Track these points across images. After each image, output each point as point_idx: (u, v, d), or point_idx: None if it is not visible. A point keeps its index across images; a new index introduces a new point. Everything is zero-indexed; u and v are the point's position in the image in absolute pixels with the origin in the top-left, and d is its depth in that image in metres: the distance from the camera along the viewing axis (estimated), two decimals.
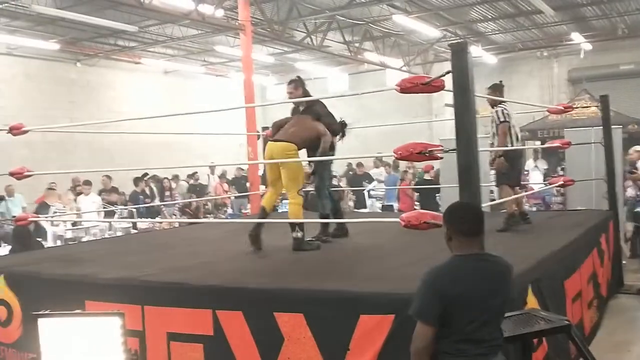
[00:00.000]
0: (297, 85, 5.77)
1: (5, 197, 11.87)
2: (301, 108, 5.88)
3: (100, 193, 12.96)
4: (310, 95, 5.86)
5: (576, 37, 18.58)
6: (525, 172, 13.76)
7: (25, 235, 7.36)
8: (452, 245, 2.82)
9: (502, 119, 6.29)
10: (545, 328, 3.36)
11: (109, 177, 13.30)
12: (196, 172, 16.70)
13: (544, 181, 11.91)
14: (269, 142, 5.71)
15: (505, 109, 6.36)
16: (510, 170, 6.40)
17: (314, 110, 5.78)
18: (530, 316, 3.43)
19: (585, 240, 5.79)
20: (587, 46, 19.46)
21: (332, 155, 5.91)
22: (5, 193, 11.98)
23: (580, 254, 5.42)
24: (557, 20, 17.60)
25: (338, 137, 5.97)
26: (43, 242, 9.31)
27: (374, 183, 14.21)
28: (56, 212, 10.73)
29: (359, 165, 14.86)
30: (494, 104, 6.43)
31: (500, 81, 6.74)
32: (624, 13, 17.03)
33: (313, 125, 5.64)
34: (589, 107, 13.79)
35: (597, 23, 18.38)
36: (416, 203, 11.87)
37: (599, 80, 18.63)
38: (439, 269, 2.76)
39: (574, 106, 10.53)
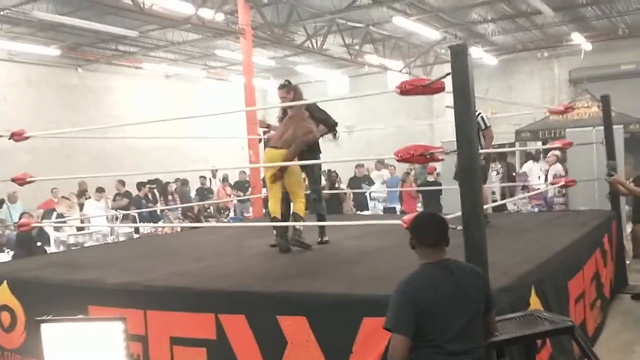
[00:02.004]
0: (290, 89, 5.72)
1: (5, 201, 11.88)
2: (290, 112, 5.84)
3: (115, 197, 13.05)
4: (302, 97, 5.84)
5: (576, 38, 18.55)
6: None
7: (28, 241, 7.39)
8: (417, 254, 2.87)
9: (489, 124, 6.50)
10: (549, 329, 3.35)
11: (122, 182, 13.32)
12: (203, 176, 16.72)
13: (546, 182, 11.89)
14: (269, 149, 5.71)
15: (482, 113, 6.44)
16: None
17: (309, 107, 5.83)
18: (534, 317, 3.43)
19: (588, 240, 5.78)
20: (588, 46, 19.42)
21: (319, 153, 5.90)
22: (6, 199, 11.99)
23: (583, 255, 5.41)
24: (557, 21, 17.58)
25: (333, 136, 5.99)
26: (46, 248, 9.32)
27: (376, 185, 14.18)
28: (63, 215, 10.72)
29: (359, 166, 14.85)
30: None
31: None
32: (624, 13, 17.00)
33: (304, 125, 5.66)
34: (590, 107, 13.77)
35: (597, 23, 18.35)
36: (418, 205, 11.87)
37: (600, 81, 18.58)
38: (410, 279, 2.77)
39: (575, 106, 10.54)
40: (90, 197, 12.36)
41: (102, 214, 11.64)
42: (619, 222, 7.44)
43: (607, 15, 17.45)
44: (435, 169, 11.24)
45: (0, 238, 10.47)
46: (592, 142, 8.02)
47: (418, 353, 2.66)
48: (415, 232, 2.89)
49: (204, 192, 15.85)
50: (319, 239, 5.89)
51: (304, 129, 5.62)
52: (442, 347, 2.67)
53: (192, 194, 16.23)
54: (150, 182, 13.89)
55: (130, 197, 13.30)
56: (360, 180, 14.27)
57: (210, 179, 17.00)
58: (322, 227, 5.93)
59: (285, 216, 5.90)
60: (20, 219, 7.58)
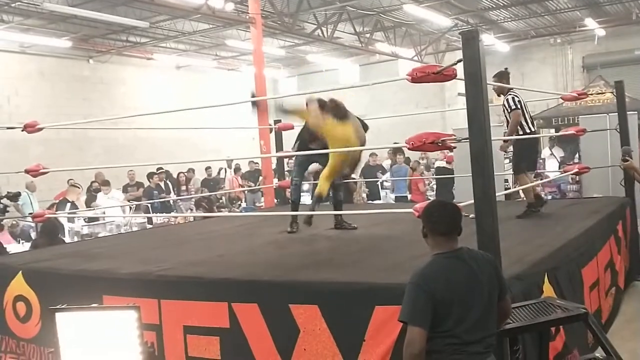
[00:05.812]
0: None
1: (19, 193, 11.92)
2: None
3: (125, 188, 13.10)
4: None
5: (590, 23, 18.35)
6: (541, 160, 13.63)
7: (52, 231, 7.43)
8: (429, 243, 2.85)
9: (513, 107, 6.18)
10: (562, 317, 3.34)
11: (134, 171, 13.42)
12: (209, 167, 16.72)
13: (560, 169, 11.79)
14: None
15: (516, 95, 6.27)
16: (526, 157, 6.44)
17: None
18: (547, 305, 3.41)
19: (602, 227, 5.74)
20: (601, 32, 19.21)
21: None
22: (26, 188, 12.03)
23: (597, 242, 5.37)
24: (570, 6, 17.39)
25: None
26: (63, 238, 9.37)
27: (388, 174, 14.10)
28: (75, 204, 10.75)
29: (372, 155, 14.77)
30: (501, 92, 6.37)
31: (506, 68, 6.63)
32: None
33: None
34: (604, 93, 13.59)
35: (610, 8, 18.14)
36: (431, 194, 11.82)
37: (614, 66, 18.39)
38: (424, 270, 2.75)
39: (589, 93, 10.39)
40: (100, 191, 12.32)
41: (116, 204, 11.66)
42: (633, 209, 7.37)
43: (621, 0, 17.22)
44: (453, 158, 11.12)
45: (14, 229, 10.53)
46: (605, 129, 7.93)
47: (434, 344, 2.65)
48: (427, 221, 2.86)
49: (210, 184, 15.76)
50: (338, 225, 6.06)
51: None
52: (459, 337, 2.66)
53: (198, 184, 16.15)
54: (159, 169, 13.89)
55: (143, 187, 13.38)
56: (373, 169, 14.15)
57: (225, 169, 16.98)
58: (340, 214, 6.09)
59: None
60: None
